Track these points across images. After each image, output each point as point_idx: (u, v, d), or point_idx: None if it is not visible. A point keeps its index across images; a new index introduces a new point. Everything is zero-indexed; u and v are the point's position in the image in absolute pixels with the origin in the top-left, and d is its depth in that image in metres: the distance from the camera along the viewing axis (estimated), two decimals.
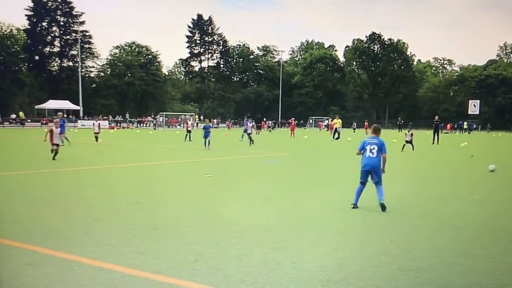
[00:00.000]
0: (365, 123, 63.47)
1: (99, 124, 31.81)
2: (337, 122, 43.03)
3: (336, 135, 41.17)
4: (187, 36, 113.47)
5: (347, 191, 11.44)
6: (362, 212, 9.28)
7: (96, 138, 30.50)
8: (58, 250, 6.22)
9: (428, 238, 7.35)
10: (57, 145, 18.54)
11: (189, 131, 34.95)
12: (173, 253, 6.27)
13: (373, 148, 9.53)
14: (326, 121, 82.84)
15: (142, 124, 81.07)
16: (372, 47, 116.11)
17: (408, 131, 28.13)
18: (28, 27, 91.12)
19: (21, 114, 72.15)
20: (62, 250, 6.25)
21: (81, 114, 76.28)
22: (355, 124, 70.22)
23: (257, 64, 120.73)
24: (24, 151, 23.79)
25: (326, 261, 6.03)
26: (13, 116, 70.41)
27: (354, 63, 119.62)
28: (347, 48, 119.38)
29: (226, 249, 6.46)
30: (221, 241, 6.87)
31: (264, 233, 7.40)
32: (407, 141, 27.14)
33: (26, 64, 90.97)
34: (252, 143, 30.96)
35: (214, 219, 8.47)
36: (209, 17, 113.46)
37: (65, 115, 31.42)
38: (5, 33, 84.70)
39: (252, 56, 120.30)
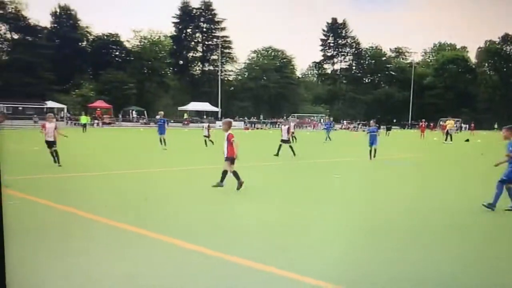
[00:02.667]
0: (472, 125, 60.14)
1: (208, 126, 27.69)
2: (450, 123, 41.46)
3: (448, 137, 39.49)
4: (321, 40, 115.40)
5: (471, 194, 11.34)
6: (483, 215, 9.11)
7: (205, 142, 26.71)
8: (194, 244, 6.61)
9: None
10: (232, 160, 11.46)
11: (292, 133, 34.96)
12: (300, 249, 6.59)
13: None
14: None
15: (274, 125, 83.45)
16: (504, 49, 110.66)
17: None
18: (174, 33, 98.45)
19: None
20: (199, 244, 6.60)
21: (219, 116, 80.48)
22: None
23: (389, 65, 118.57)
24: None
25: (446, 266, 6.05)
26: (158, 117, 76.15)
27: (486, 64, 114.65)
28: (479, 50, 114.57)
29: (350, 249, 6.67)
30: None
31: (387, 233, 7.61)
32: None
33: (171, 68, 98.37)
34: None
35: (341, 218, 8.80)
36: (343, 20, 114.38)
37: (160, 114, 28.82)
38: (154, 39, 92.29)
39: (384, 58, 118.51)
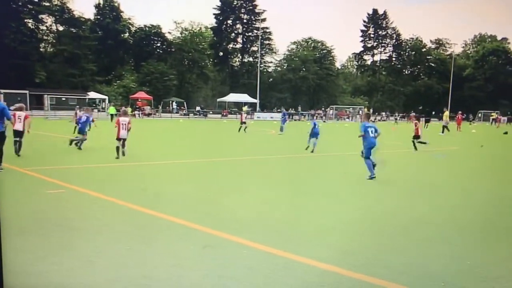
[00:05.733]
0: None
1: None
2: (445, 115, 40.49)
3: (445, 130, 38.41)
4: (362, 31, 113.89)
5: None
6: None
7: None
8: (231, 234, 6.73)
9: None
10: (123, 140, 15.16)
11: (243, 123, 33.91)
12: (336, 242, 6.55)
13: (372, 131, 12.39)
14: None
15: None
16: None
17: None
18: (215, 25, 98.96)
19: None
20: (234, 234, 6.75)
21: (257, 107, 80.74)
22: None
23: (429, 57, 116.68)
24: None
25: (487, 258, 6.07)
26: (198, 108, 77.25)
27: None
28: None
29: (388, 241, 6.69)
30: (384, 233, 7.14)
31: (428, 227, 7.54)
32: None
33: (211, 60, 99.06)
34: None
35: (379, 212, 8.75)
36: (384, 11, 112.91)
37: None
38: (195, 31, 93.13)
39: (424, 49, 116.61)
